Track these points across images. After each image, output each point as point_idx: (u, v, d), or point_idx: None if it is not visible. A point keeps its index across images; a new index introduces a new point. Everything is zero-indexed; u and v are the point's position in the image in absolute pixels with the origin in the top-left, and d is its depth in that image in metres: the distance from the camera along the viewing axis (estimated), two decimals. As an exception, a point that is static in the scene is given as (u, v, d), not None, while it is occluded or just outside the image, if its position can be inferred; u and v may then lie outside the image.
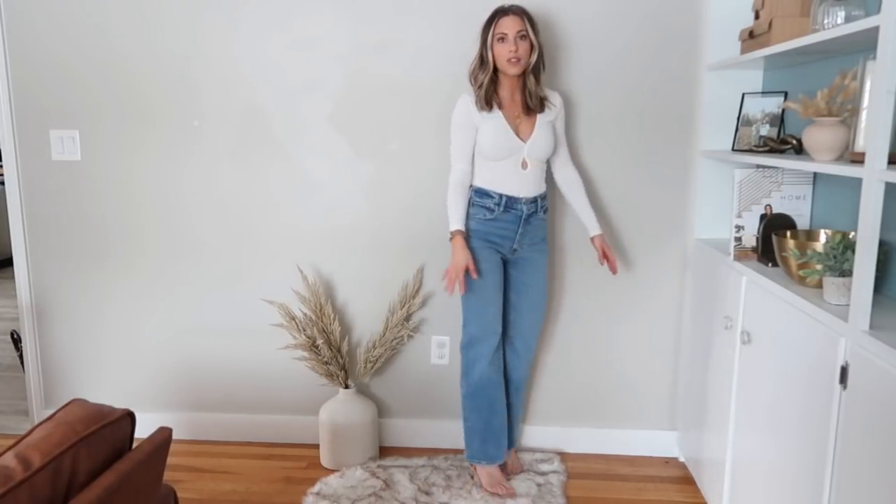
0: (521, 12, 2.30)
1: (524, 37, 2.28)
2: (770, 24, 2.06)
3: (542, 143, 2.38)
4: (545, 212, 2.48)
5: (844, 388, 1.51)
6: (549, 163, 2.50)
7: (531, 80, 2.34)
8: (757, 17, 2.24)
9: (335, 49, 2.71)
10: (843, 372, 1.51)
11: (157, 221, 2.88)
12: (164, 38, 2.75)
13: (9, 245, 2.98)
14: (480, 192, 2.39)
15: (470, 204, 2.41)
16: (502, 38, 2.28)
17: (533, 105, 2.37)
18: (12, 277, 3.03)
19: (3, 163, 2.87)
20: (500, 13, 2.30)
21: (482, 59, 2.33)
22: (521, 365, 2.59)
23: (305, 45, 2.72)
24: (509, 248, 2.44)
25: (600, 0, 2.59)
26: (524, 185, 2.38)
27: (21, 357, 3.07)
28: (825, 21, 1.79)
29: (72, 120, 2.83)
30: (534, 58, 2.31)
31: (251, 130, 2.79)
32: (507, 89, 2.37)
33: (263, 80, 2.75)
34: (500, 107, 2.36)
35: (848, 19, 1.74)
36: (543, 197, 2.45)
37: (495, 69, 2.33)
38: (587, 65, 2.64)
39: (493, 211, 2.38)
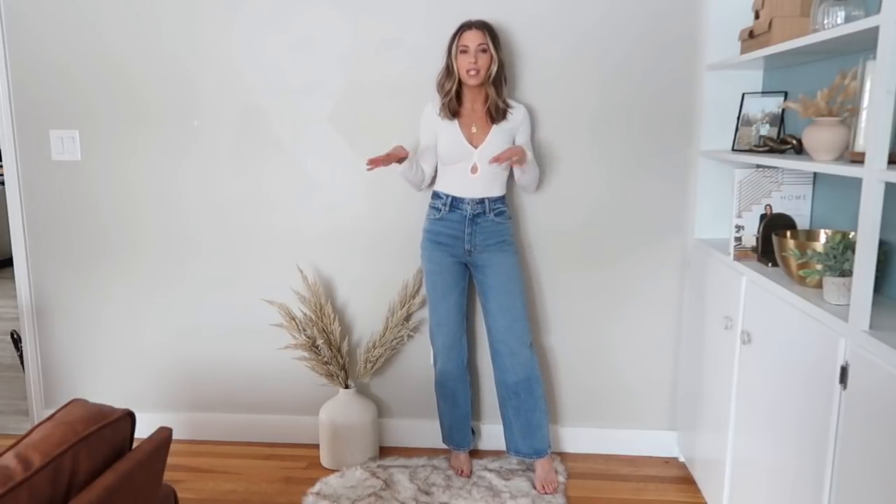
0: (483, 27, 2.43)
1: (485, 50, 2.41)
2: (770, 24, 2.06)
3: (493, 150, 2.45)
4: (497, 214, 2.52)
5: (844, 388, 1.51)
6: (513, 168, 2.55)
7: (492, 90, 2.46)
8: (757, 17, 2.24)
9: (334, 49, 2.71)
10: (843, 372, 1.51)
11: (157, 221, 2.88)
12: (164, 39, 2.75)
13: (9, 245, 2.98)
14: (434, 195, 2.57)
15: (429, 206, 2.59)
16: (464, 51, 2.42)
17: (493, 114, 2.48)
18: (12, 277, 3.03)
19: (3, 163, 2.87)
20: (464, 27, 2.44)
21: (448, 70, 2.47)
22: (512, 368, 2.53)
23: (304, 45, 2.72)
24: (461, 248, 2.52)
25: (601, 2, 2.59)
26: (470, 187, 2.49)
27: (21, 357, 3.07)
28: (825, 21, 1.79)
29: (72, 120, 2.84)
30: (493, 69, 2.44)
31: (251, 130, 2.79)
32: (469, 98, 2.50)
33: (263, 79, 2.75)
34: (460, 115, 2.50)
35: (848, 19, 1.74)
36: (494, 200, 2.52)
37: (461, 79, 2.46)
38: (587, 65, 2.64)
39: (440, 210, 2.53)
